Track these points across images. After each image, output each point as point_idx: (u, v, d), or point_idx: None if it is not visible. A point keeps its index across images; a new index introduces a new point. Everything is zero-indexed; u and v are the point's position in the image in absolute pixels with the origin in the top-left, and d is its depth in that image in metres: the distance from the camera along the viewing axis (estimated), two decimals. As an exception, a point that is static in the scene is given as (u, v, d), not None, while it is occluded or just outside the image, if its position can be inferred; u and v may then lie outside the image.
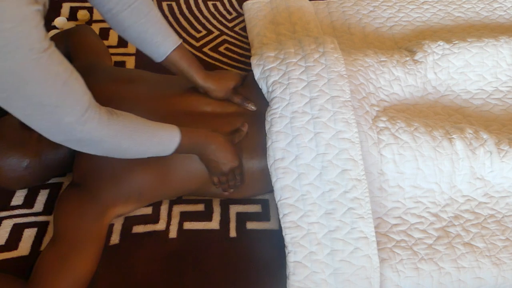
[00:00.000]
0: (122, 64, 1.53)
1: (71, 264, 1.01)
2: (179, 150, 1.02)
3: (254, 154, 1.17)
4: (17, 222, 1.16)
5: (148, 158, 1.09)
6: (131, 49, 1.58)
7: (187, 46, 1.59)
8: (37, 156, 1.12)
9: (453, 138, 1.19)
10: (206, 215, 1.19)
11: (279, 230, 1.14)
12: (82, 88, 0.84)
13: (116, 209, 1.11)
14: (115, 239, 1.13)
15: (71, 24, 1.62)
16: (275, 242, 1.14)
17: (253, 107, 1.20)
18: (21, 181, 1.14)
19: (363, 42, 1.61)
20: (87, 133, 0.86)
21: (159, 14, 1.09)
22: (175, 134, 1.01)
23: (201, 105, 1.20)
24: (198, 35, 1.65)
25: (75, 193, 1.10)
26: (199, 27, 1.68)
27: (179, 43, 1.12)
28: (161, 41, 1.09)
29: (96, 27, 1.63)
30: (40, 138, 1.11)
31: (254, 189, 1.22)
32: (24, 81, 0.76)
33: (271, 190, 1.16)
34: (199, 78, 1.17)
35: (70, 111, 0.83)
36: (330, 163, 1.12)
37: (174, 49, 1.11)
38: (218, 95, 1.20)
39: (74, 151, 1.17)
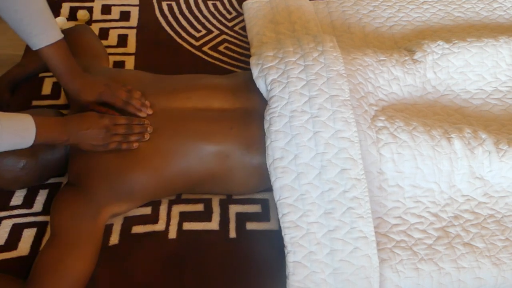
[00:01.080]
0: (121, 64, 1.52)
1: (68, 264, 1.01)
2: (39, 140, 1.00)
3: (253, 153, 1.16)
4: (16, 222, 1.16)
5: (140, 156, 1.10)
6: (130, 49, 1.57)
7: (186, 46, 1.60)
8: (34, 157, 1.12)
9: (451, 137, 1.19)
10: (206, 216, 1.19)
11: (279, 230, 1.13)
12: None
13: (110, 208, 1.11)
14: (114, 239, 1.13)
15: (71, 24, 1.62)
16: (274, 242, 1.14)
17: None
18: (18, 181, 1.14)
19: (363, 42, 1.61)
20: None
21: (41, 7, 1.07)
22: (30, 124, 0.99)
23: (198, 103, 1.20)
24: (198, 35, 1.65)
25: (70, 193, 1.10)
26: (199, 27, 1.67)
27: (54, 41, 1.09)
28: (34, 34, 1.07)
29: (95, 27, 1.63)
30: None
31: (253, 187, 1.22)
32: None
33: (270, 189, 1.16)
34: (64, 79, 1.13)
35: None
36: (330, 162, 1.12)
37: (47, 46, 1.08)
38: (79, 98, 1.15)
39: (71, 151, 1.17)
